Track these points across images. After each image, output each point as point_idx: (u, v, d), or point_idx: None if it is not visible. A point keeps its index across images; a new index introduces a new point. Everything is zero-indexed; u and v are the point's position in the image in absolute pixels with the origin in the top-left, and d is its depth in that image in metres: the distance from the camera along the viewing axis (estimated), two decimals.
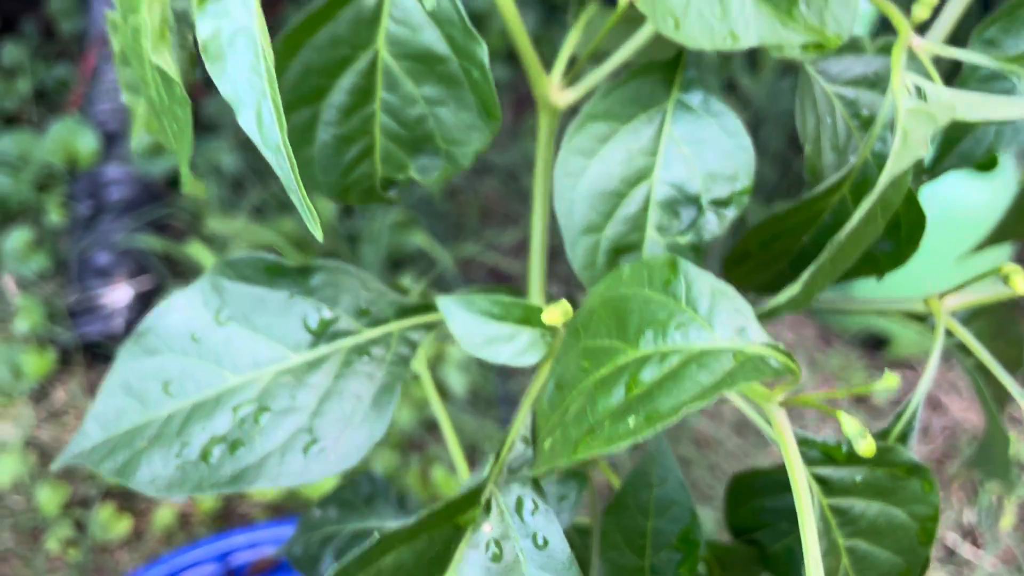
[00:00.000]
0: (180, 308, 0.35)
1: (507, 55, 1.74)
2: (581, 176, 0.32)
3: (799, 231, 0.38)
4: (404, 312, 0.36)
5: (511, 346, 0.32)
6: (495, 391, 1.23)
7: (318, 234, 0.24)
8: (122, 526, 1.13)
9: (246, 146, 1.52)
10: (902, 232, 0.35)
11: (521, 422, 0.31)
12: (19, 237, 1.40)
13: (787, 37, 0.24)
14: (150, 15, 0.25)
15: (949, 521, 1.15)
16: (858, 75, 0.38)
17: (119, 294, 1.35)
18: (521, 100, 1.73)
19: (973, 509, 1.16)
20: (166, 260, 1.38)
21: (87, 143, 1.44)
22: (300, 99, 0.31)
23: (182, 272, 1.39)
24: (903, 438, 0.36)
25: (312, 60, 0.30)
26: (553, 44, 1.70)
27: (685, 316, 0.27)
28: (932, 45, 0.32)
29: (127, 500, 1.17)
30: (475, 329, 0.33)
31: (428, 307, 0.37)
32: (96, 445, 0.36)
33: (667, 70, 0.32)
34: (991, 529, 1.13)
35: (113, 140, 1.49)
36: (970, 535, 1.14)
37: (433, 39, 0.29)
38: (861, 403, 1.30)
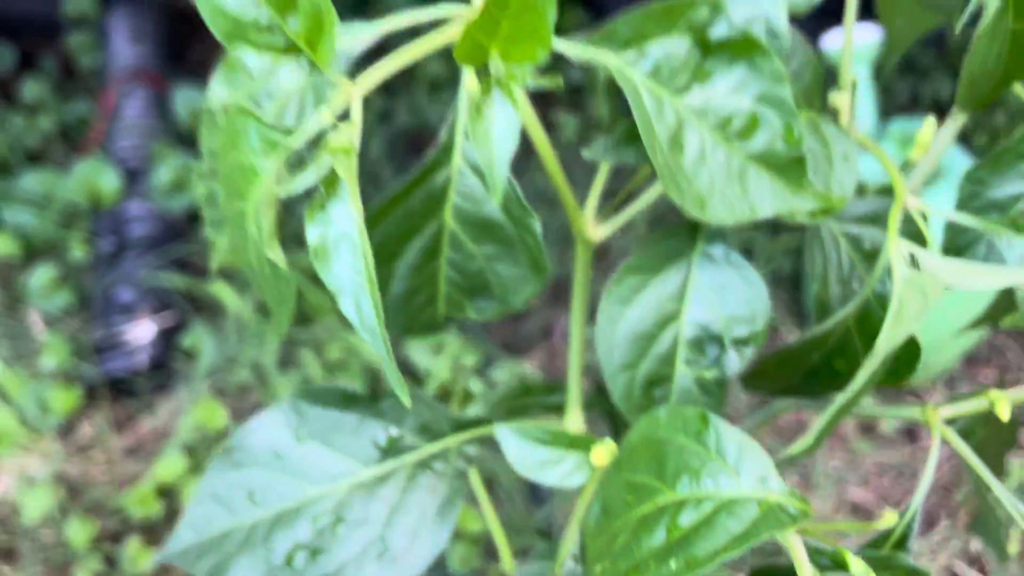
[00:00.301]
0: (264, 427, 0.40)
1: None
2: (619, 321, 0.37)
3: (808, 354, 0.42)
4: (460, 427, 0.41)
5: (558, 469, 0.37)
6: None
7: (406, 401, 0.28)
8: (151, 560, 1.18)
9: None
10: (900, 361, 0.40)
11: (571, 540, 0.36)
12: (44, 274, 1.44)
13: (798, 205, 0.28)
14: (266, 217, 0.29)
15: (956, 549, 1.20)
16: (860, 214, 0.43)
17: (143, 330, 1.40)
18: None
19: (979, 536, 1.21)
20: (188, 297, 1.43)
21: (110, 182, 1.48)
22: (378, 261, 0.35)
23: (204, 309, 1.43)
24: (903, 539, 0.41)
25: (390, 230, 0.35)
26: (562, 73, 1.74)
27: (715, 465, 0.31)
28: (925, 207, 0.37)
29: (155, 535, 1.22)
30: (527, 453, 0.37)
31: (480, 422, 0.42)
32: (188, 547, 0.41)
33: (692, 227, 0.37)
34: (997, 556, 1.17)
35: (134, 177, 1.54)
36: (977, 562, 1.19)
37: (494, 211, 0.34)
38: (868, 431, 1.34)
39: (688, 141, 0.27)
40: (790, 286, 1.52)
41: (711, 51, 0.27)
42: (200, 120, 0.32)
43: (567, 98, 1.69)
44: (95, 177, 1.49)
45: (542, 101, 1.69)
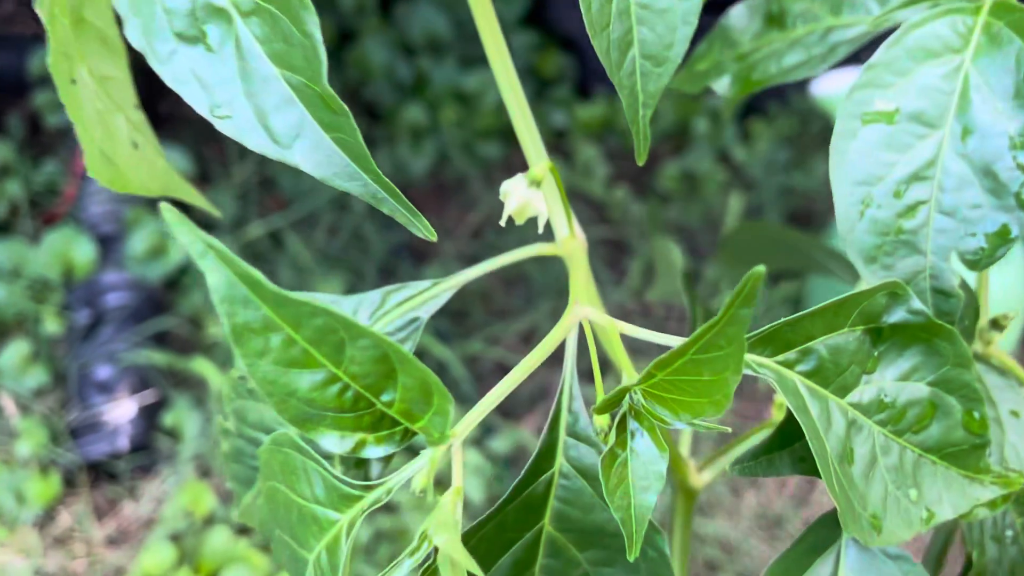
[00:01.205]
0: None
1: (498, 133, 1.74)
2: None
3: None
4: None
5: None
6: None
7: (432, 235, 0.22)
8: None
9: (244, 247, 1.51)
10: None
11: None
12: (15, 351, 1.37)
13: (978, 496, 0.24)
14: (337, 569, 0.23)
15: None
16: None
17: (122, 410, 1.33)
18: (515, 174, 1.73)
19: None
20: (169, 372, 1.37)
21: (83, 252, 1.41)
22: None
23: (186, 384, 1.37)
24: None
25: (478, 554, 0.28)
26: (544, 120, 1.70)
27: None
28: None
29: None
30: None
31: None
32: None
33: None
34: None
35: (108, 244, 1.47)
36: None
37: (605, 519, 0.28)
38: None
39: (857, 446, 0.22)
40: (790, 310, 1.48)
41: (884, 339, 0.22)
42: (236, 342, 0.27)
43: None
44: (67, 247, 1.42)
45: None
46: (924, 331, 0.22)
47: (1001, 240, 0.23)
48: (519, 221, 0.23)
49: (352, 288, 1.47)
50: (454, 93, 1.75)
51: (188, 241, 0.14)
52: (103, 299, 1.41)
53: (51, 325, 1.39)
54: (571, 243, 0.26)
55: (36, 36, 1.73)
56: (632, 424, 0.21)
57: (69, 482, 1.28)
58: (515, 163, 1.68)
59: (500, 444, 1.32)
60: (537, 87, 1.75)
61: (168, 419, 1.30)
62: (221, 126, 0.18)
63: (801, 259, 0.43)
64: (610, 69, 0.22)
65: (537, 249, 0.26)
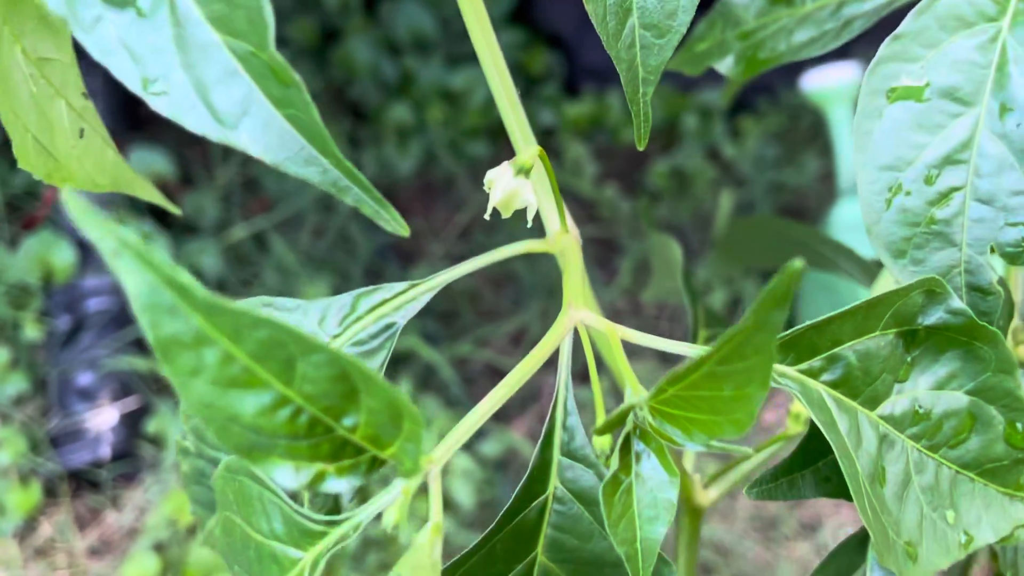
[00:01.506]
0: None
1: (486, 132, 1.72)
2: None
3: None
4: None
5: None
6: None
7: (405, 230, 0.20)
8: None
9: (228, 250, 1.48)
10: None
11: None
12: None
13: (1020, 516, 0.22)
14: None
15: None
16: None
17: (104, 417, 1.30)
18: None
19: None
20: (152, 378, 1.34)
21: (63, 256, 1.38)
22: None
23: (169, 390, 1.34)
24: None
25: None
26: (532, 118, 1.68)
27: None
28: None
29: None
30: None
31: None
32: None
33: (863, 538, 0.28)
34: None
35: (87, 247, 1.44)
36: None
37: (604, 548, 0.25)
38: None
39: (890, 464, 0.20)
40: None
41: (918, 342, 0.20)
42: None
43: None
44: (46, 251, 1.39)
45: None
46: (964, 334, 0.20)
47: None
48: (505, 214, 0.21)
49: (338, 291, 1.44)
50: (440, 92, 1.72)
51: (98, 237, 0.11)
52: (84, 304, 1.38)
53: (31, 331, 1.35)
54: (564, 239, 0.23)
55: None
56: (637, 445, 0.18)
57: (50, 491, 1.25)
58: (503, 157, 1.66)
59: (491, 448, 1.30)
60: (524, 85, 1.72)
61: (151, 426, 1.27)
62: (156, 104, 0.16)
63: (803, 254, 0.40)
64: (606, 39, 0.20)
65: (526, 246, 0.24)
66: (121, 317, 1.37)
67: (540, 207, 0.24)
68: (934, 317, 0.20)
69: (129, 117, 1.62)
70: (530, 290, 1.48)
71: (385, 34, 1.76)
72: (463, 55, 1.73)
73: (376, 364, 0.22)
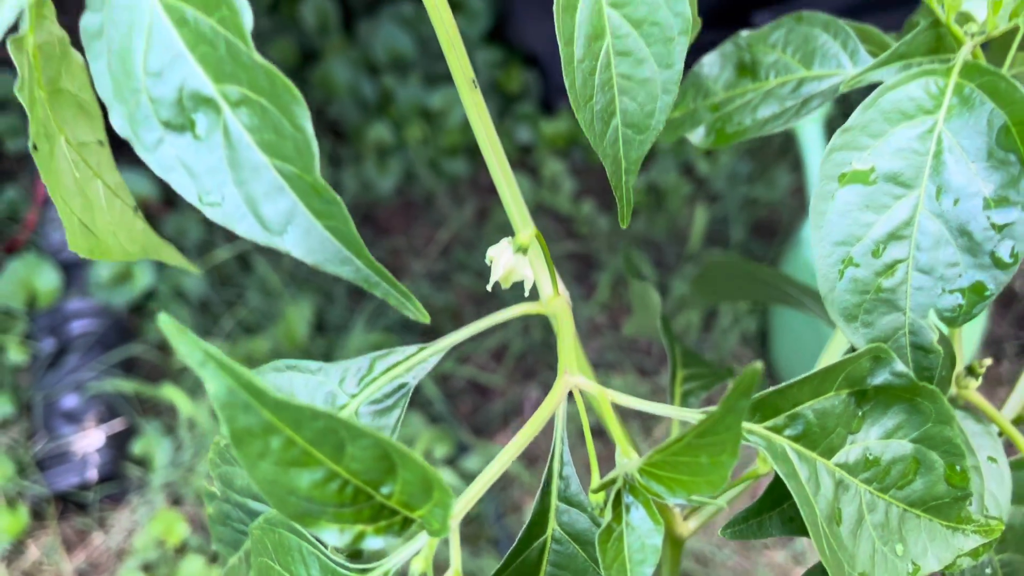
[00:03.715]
0: None
1: (464, 150, 1.75)
2: None
3: None
4: None
5: None
6: (493, 530, 1.22)
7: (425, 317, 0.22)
8: None
9: (211, 271, 1.49)
10: None
11: None
12: None
13: (961, 545, 0.25)
14: None
15: None
16: None
17: (90, 440, 1.31)
18: (482, 191, 1.74)
19: None
20: (137, 399, 1.35)
21: (47, 280, 1.39)
22: None
23: (155, 411, 1.35)
24: None
25: None
26: (510, 136, 1.71)
27: None
28: None
29: None
30: None
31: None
32: None
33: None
34: None
35: (71, 270, 1.45)
36: None
37: None
38: None
39: (845, 505, 0.23)
40: (757, 344, 1.50)
41: (868, 399, 0.23)
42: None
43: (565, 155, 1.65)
44: (30, 274, 1.40)
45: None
46: (907, 392, 0.23)
47: (978, 297, 0.23)
48: (505, 286, 0.23)
49: (321, 311, 1.46)
50: (419, 111, 1.75)
51: (187, 352, 0.14)
52: (68, 327, 1.39)
53: (15, 354, 1.36)
54: (556, 302, 0.26)
55: None
56: (627, 498, 0.21)
57: (37, 514, 1.25)
58: (482, 180, 1.69)
59: (474, 463, 1.32)
60: (502, 103, 1.75)
61: (137, 447, 1.28)
62: (210, 213, 0.18)
63: (768, 291, 0.43)
64: (593, 140, 0.23)
65: (524, 308, 0.26)
66: (105, 339, 1.38)
67: (534, 273, 0.26)
68: (881, 378, 0.23)
69: (110, 139, 1.64)
70: (510, 306, 1.51)
71: (363, 54, 1.78)
72: (441, 74, 1.75)
73: (392, 421, 0.24)
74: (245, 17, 0.17)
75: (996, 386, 1.33)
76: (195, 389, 1.33)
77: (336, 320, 1.47)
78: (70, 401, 1.32)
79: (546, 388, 1.39)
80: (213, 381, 0.14)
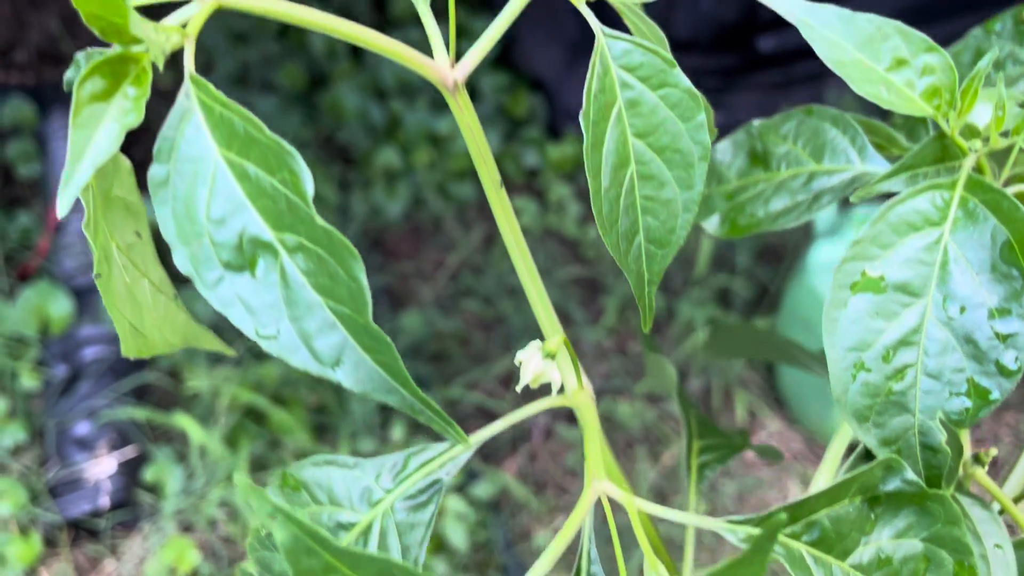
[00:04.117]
0: None
1: (472, 174, 1.76)
2: None
3: None
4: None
5: None
6: (503, 558, 1.23)
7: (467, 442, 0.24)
8: None
9: None
10: None
11: None
12: None
13: None
14: None
15: None
16: None
17: (102, 467, 1.32)
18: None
19: None
20: (149, 426, 1.36)
21: (60, 307, 1.41)
22: None
23: (166, 438, 1.36)
24: None
25: None
26: (516, 160, 1.72)
27: None
28: None
29: None
30: None
31: None
32: None
33: None
34: None
35: (83, 296, 1.47)
36: None
37: None
38: None
39: None
40: (763, 368, 1.51)
41: (880, 503, 0.24)
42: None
43: (526, 184, 1.67)
44: (43, 302, 1.41)
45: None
46: (917, 496, 0.24)
47: (983, 402, 0.25)
48: (533, 386, 0.25)
49: None
50: (427, 135, 1.76)
51: (258, 505, 0.15)
52: (80, 353, 1.40)
53: (27, 381, 1.38)
54: (581, 396, 0.27)
55: (6, 86, 1.72)
56: None
57: (49, 542, 1.26)
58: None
59: (483, 490, 1.33)
60: (508, 128, 1.77)
61: (149, 474, 1.29)
62: (266, 345, 0.20)
63: (774, 352, 0.45)
64: (618, 257, 0.24)
65: (549, 403, 0.28)
66: (118, 366, 1.39)
67: (560, 368, 0.28)
68: (892, 485, 0.24)
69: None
70: (518, 333, 1.52)
71: (372, 79, 1.80)
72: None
73: (427, 516, 0.26)
74: (307, 183, 0.19)
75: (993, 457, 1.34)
76: (206, 417, 1.34)
77: None
78: (82, 428, 1.33)
79: (554, 415, 1.40)
80: (281, 530, 0.15)
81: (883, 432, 0.25)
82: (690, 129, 0.23)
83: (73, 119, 0.18)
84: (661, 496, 1.32)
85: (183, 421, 1.29)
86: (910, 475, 0.24)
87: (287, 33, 1.86)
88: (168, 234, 0.20)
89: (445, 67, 0.24)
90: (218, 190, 0.19)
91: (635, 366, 1.53)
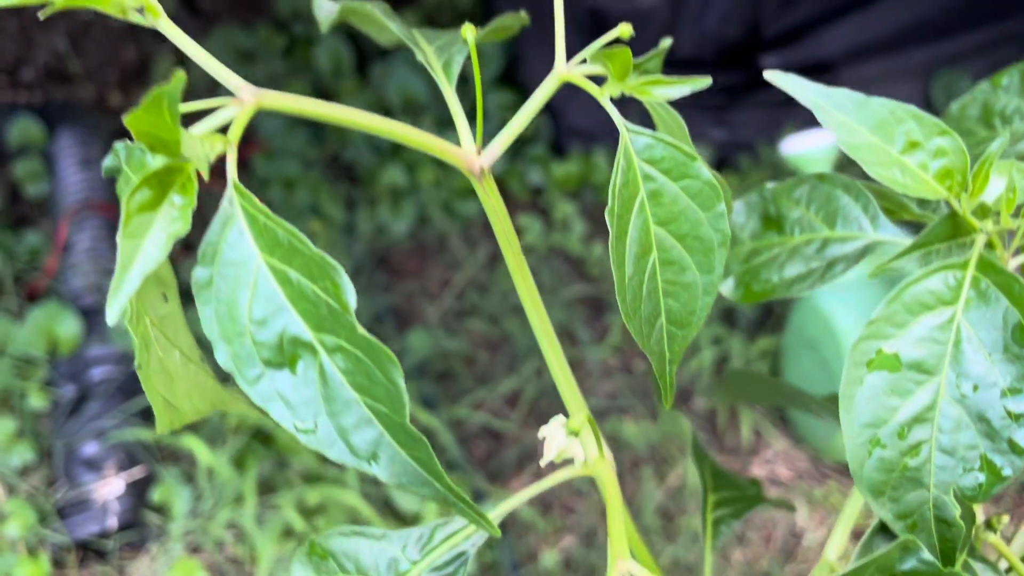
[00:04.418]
0: None
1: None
2: None
3: None
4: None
5: None
6: None
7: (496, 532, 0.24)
8: None
9: None
10: None
11: None
12: (0, 429, 1.36)
13: None
14: None
15: None
16: None
17: (110, 488, 1.33)
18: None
19: None
20: (156, 447, 1.37)
21: (68, 327, 1.41)
22: None
23: (174, 459, 1.37)
24: None
25: None
26: (521, 178, 1.73)
27: None
28: None
29: None
30: None
31: None
32: None
33: None
34: None
35: (90, 316, 1.47)
36: None
37: None
38: None
39: None
40: None
41: None
42: None
43: (530, 202, 1.67)
44: (51, 322, 1.42)
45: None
46: (932, 573, 0.25)
47: (996, 478, 0.26)
48: (556, 461, 0.25)
49: None
50: (431, 154, 1.77)
51: None
52: (88, 373, 1.41)
53: (36, 401, 1.38)
54: (602, 465, 0.28)
55: (14, 104, 1.73)
56: None
57: (57, 563, 1.27)
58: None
59: (489, 511, 1.33)
60: (513, 146, 1.78)
61: (157, 495, 1.30)
62: (304, 439, 0.20)
63: (782, 397, 0.46)
64: (641, 342, 0.25)
65: (569, 473, 0.29)
66: (126, 386, 1.40)
67: (580, 438, 0.28)
68: (908, 565, 0.25)
69: None
70: (524, 352, 1.53)
71: (377, 97, 1.81)
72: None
73: None
74: (349, 295, 0.19)
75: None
76: (214, 438, 1.35)
77: None
78: (91, 448, 1.34)
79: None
80: None
81: (898, 507, 0.26)
82: (710, 217, 0.24)
83: (123, 229, 0.19)
84: (667, 517, 1.32)
85: (191, 442, 1.30)
86: (926, 555, 0.25)
87: (293, 50, 1.87)
88: (211, 333, 0.21)
89: (472, 155, 0.25)
90: (260, 293, 0.20)
91: (640, 385, 1.53)
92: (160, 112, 0.16)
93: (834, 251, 0.32)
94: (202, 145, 0.19)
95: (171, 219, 0.19)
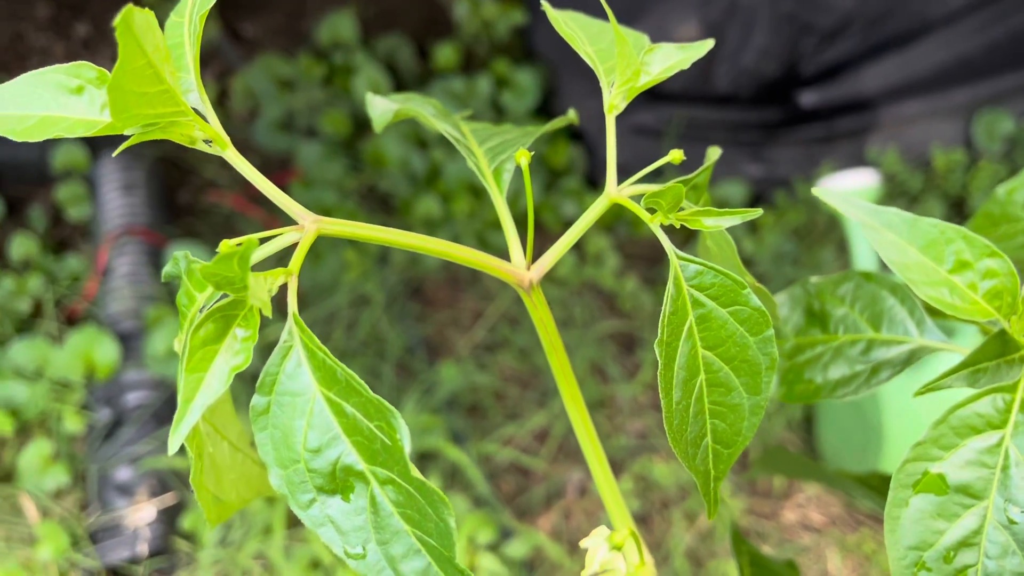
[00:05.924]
0: None
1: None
2: None
3: None
4: None
5: None
6: None
7: None
8: None
9: (267, 348, 1.53)
10: None
11: None
12: (36, 451, 1.38)
13: None
14: None
15: None
16: None
17: (142, 514, 1.34)
18: None
19: None
20: (187, 473, 1.38)
21: (106, 353, 1.44)
22: None
23: None
24: None
25: None
26: (555, 211, 1.73)
27: None
28: None
29: None
30: None
31: None
32: None
33: None
34: None
35: (127, 340, 1.50)
36: None
37: None
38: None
39: None
40: (802, 430, 1.50)
41: None
42: None
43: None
44: (90, 347, 1.44)
45: None
46: None
47: None
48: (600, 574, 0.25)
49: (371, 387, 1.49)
50: (467, 184, 1.79)
51: None
52: (124, 398, 1.43)
53: (71, 424, 1.40)
54: (643, 571, 0.28)
55: None
56: None
57: None
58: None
59: (517, 549, 1.33)
60: (548, 178, 1.78)
61: (187, 523, 1.31)
62: (353, 564, 0.21)
63: (815, 474, 0.46)
64: (687, 462, 0.25)
65: None
66: (160, 412, 1.42)
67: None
68: None
69: (168, 208, 1.70)
70: (554, 388, 1.53)
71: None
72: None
73: None
74: (404, 439, 0.20)
75: None
76: None
77: (385, 398, 1.50)
78: (124, 474, 1.36)
79: (587, 472, 1.40)
80: None
81: None
82: (758, 342, 0.24)
83: (186, 363, 0.19)
84: (697, 562, 1.31)
85: None
86: None
87: (332, 79, 1.90)
88: (265, 456, 0.21)
89: (522, 270, 0.25)
90: (316, 423, 0.20)
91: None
92: (231, 266, 0.17)
93: (879, 354, 0.32)
94: (266, 281, 0.20)
95: (234, 352, 0.19)
